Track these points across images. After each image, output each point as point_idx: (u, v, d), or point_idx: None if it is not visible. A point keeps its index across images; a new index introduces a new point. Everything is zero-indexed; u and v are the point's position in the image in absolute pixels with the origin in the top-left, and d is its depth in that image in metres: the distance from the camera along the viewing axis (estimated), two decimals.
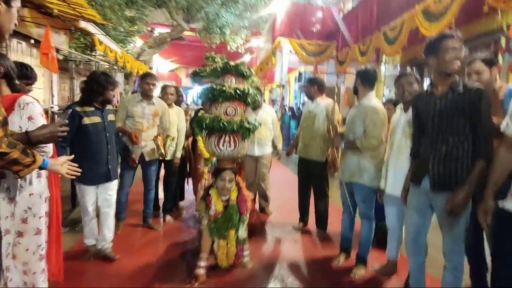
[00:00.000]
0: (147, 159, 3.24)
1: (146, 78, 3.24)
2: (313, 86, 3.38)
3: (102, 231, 2.68)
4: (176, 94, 3.68)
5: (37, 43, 5.53)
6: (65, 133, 1.59)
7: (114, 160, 2.69)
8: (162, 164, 3.53)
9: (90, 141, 2.52)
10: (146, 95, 3.21)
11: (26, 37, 5.35)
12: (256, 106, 3.54)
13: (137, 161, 3.08)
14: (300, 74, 11.85)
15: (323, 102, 3.34)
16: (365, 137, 2.49)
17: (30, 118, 1.69)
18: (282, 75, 9.20)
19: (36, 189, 1.74)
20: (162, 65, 12.11)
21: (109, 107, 2.69)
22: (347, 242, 2.83)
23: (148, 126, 3.21)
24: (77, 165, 1.68)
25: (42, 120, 1.74)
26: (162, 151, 3.15)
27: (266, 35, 12.96)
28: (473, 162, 1.76)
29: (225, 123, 2.36)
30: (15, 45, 5.18)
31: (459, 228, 1.83)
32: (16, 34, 5.02)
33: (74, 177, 1.70)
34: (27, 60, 5.66)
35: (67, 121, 1.58)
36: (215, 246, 2.47)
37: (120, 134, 3.23)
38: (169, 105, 3.46)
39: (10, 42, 4.91)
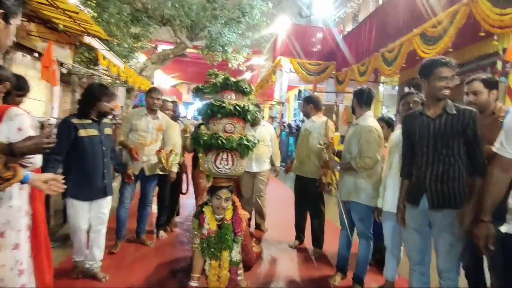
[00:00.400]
0: (147, 173, 3.18)
1: (152, 92, 3.22)
2: (309, 104, 3.43)
3: (92, 250, 2.55)
4: (172, 109, 3.71)
5: (41, 56, 5.64)
6: (52, 145, 1.50)
7: (109, 175, 2.60)
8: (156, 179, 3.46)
9: (86, 154, 2.43)
10: (151, 110, 3.19)
11: (31, 51, 5.45)
12: (255, 123, 3.54)
13: (134, 176, 3.02)
14: (300, 92, 12.00)
15: (319, 120, 3.37)
16: (360, 156, 2.48)
17: (19, 130, 1.66)
18: (281, 92, 9.31)
19: (16, 202, 1.67)
20: (163, 80, 12.25)
21: (106, 120, 2.63)
22: (344, 261, 2.79)
23: (151, 141, 3.18)
24: (63, 181, 1.60)
25: (32, 132, 1.71)
26: (165, 165, 3.11)
27: (267, 53, 13.22)
28: (471, 179, 1.82)
29: (223, 140, 2.27)
30: (19, 58, 5.27)
31: (458, 245, 1.85)
32: (21, 47, 5.12)
33: (61, 192, 1.62)
34: (30, 73, 5.75)
35: (54, 132, 1.50)
36: (207, 266, 2.33)
37: (119, 148, 3.20)
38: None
39: (15, 55, 5.00)
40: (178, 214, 4.03)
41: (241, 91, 2.46)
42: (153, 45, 11.62)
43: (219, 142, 2.26)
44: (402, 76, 6.66)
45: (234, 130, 2.38)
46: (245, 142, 2.32)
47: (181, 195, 3.93)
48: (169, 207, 3.67)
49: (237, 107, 2.33)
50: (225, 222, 2.30)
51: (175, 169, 3.36)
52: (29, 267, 1.74)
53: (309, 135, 3.34)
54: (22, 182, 1.44)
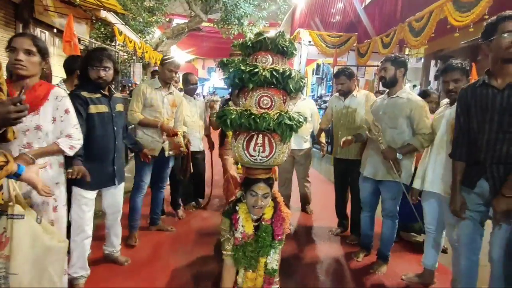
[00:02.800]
0: (167, 154, 2.85)
1: (169, 64, 2.75)
2: (351, 79, 3.06)
3: (110, 238, 2.41)
4: (191, 83, 3.50)
5: (59, 32, 5.62)
6: (23, 114, 1.18)
7: (120, 160, 2.26)
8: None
9: (95, 135, 2.07)
10: (165, 83, 2.81)
11: (49, 27, 5.44)
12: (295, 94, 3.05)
13: (152, 157, 2.71)
14: (318, 66, 11.63)
15: (360, 94, 3.07)
16: (419, 134, 2.30)
17: (67, 111, 1.77)
18: (300, 67, 9.04)
19: (59, 178, 1.86)
20: (179, 56, 12.13)
21: (117, 94, 2.32)
22: (369, 239, 2.77)
23: (168, 118, 2.82)
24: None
25: (74, 113, 1.83)
26: (184, 148, 2.90)
27: (284, 26, 12.75)
28: None
29: (257, 119, 1.70)
30: (38, 34, 5.28)
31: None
32: (39, 23, 5.11)
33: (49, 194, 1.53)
34: (50, 49, 5.77)
35: (23, 98, 1.18)
36: (240, 278, 1.87)
37: (131, 127, 2.90)
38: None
39: (34, 31, 5.00)
40: (203, 196, 3.86)
41: (281, 52, 1.84)
42: (168, 19, 11.41)
43: (251, 121, 1.70)
44: (429, 47, 6.30)
45: (272, 105, 1.81)
46: (287, 121, 1.71)
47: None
48: (181, 185, 3.47)
49: (275, 73, 1.73)
50: (263, 223, 1.83)
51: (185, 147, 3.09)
52: None
53: (354, 113, 3.01)
54: (16, 174, 1.32)
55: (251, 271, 1.85)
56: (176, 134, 2.78)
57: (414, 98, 2.40)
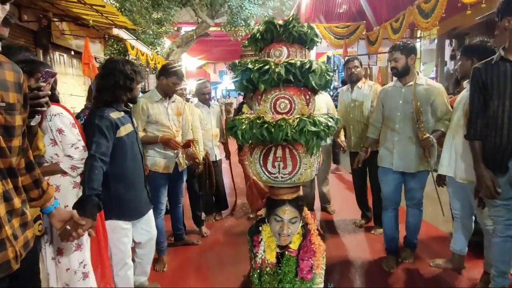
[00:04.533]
0: (180, 169, 2.64)
1: (173, 76, 2.45)
2: (360, 67, 3.07)
3: (142, 266, 2.15)
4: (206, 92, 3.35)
5: (76, 54, 5.88)
6: (39, 101, 1.13)
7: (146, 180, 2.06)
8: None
9: (127, 159, 1.84)
10: (166, 94, 2.52)
11: (66, 49, 5.71)
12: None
13: (165, 174, 2.51)
14: (328, 58, 11.51)
15: (365, 86, 3.06)
16: (445, 119, 2.28)
17: (60, 131, 1.58)
18: None
19: (71, 201, 1.59)
20: (190, 63, 12.36)
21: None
22: (395, 243, 2.57)
23: (176, 129, 2.55)
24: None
25: (74, 131, 1.62)
26: (198, 158, 2.70)
27: None
28: None
29: (271, 129, 1.36)
30: (57, 58, 5.55)
31: None
32: (57, 47, 5.38)
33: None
34: (69, 71, 6.05)
35: (41, 85, 1.14)
36: None
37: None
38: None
39: (53, 55, 5.28)
40: (224, 207, 3.70)
41: (298, 40, 1.51)
42: (176, 28, 11.63)
43: (264, 132, 1.37)
44: (442, 27, 6.12)
45: (291, 108, 1.47)
46: (311, 127, 1.36)
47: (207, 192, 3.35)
48: (203, 199, 3.30)
49: (291, 68, 1.39)
50: (288, 253, 1.50)
51: (201, 158, 2.89)
52: (91, 269, 1.68)
53: (361, 105, 3.01)
54: (43, 211, 1.20)
55: None
56: (189, 146, 2.57)
57: (434, 84, 2.37)
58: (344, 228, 3.30)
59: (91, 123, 1.74)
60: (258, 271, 1.56)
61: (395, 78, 2.49)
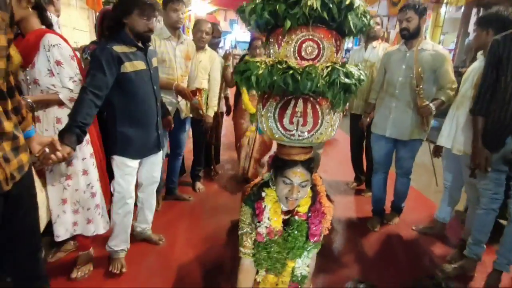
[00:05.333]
0: (182, 116, 2.52)
1: (173, 2, 2.25)
2: (379, 25, 2.92)
3: (143, 212, 2.13)
4: (212, 34, 2.81)
5: None
6: None
7: (161, 123, 1.98)
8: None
9: (134, 97, 1.75)
10: (174, 30, 2.31)
11: None
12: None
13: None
14: None
15: (380, 47, 2.91)
16: (447, 88, 2.19)
17: (58, 63, 1.54)
18: None
19: None
20: (200, 7, 11.79)
21: (151, 47, 1.95)
22: (382, 204, 2.63)
23: (182, 74, 2.38)
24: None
25: (72, 64, 1.59)
26: (203, 110, 2.54)
27: None
28: None
29: (297, 76, 1.13)
30: None
31: None
32: None
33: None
34: (72, 2, 5.77)
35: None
36: (259, 277, 1.47)
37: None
38: (202, 48, 2.68)
39: None
40: (218, 162, 3.62)
41: None
42: None
43: (289, 80, 1.13)
44: None
45: (320, 54, 1.24)
46: (343, 79, 1.15)
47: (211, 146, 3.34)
48: (205, 155, 3.20)
49: (328, 1, 1.13)
50: (297, 217, 1.39)
51: (211, 112, 2.76)
52: (99, 189, 1.83)
53: (372, 66, 2.86)
54: (24, 135, 1.18)
55: (274, 274, 1.45)
56: (198, 92, 2.42)
57: (441, 51, 2.26)
58: (336, 188, 3.38)
59: (92, 55, 1.67)
60: (262, 244, 1.37)
61: (401, 41, 2.36)
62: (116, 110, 1.74)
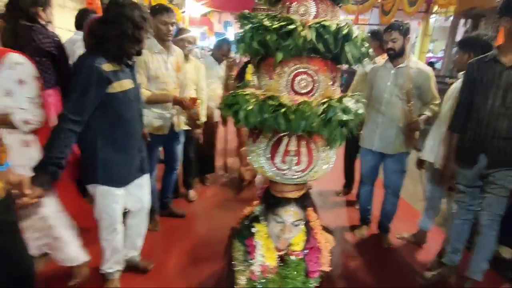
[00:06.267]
0: (177, 129, 2.44)
1: (162, 14, 2.12)
2: (374, 41, 2.85)
3: (132, 239, 1.97)
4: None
5: None
6: None
7: (144, 144, 1.86)
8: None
9: (120, 119, 1.59)
10: (163, 41, 2.20)
11: None
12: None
13: (160, 136, 2.31)
14: None
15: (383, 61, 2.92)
16: (431, 103, 2.29)
17: (21, 82, 1.45)
18: None
19: (19, 161, 1.46)
20: (194, 9, 11.75)
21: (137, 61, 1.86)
22: (368, 213, 2.76)
23: (175, 87, 2.31)
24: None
25: (35, 85, 1.50)
26: (200, 119, 2.45)
27: None
28: None
29: (290, 116, 1.05)
30: None
31: (504, 205, 1.82)
32: None
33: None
34: (68, 4, 5.69)
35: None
36: None
37: None
38: (185, 57, 2.58)
39: None
40: (213, 170, 3.56)
41: None
42: None
43: (281, 120, 1.06)
44: (459, 5, 5.86)
45: (314, 88, 1.15)
46: (340, 116, 1.07)
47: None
48: (200, 163, 3.20)
49: (324, 33, 1.04)
50: (292, 255, 1.31)
51: (203, 119, 2.70)
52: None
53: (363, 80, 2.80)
54: None
55: None
56: (194, 103, 2.31)
57: (424, 68, 2.34)
58: (326, 197, 3.44)
59: (76, 73, 1.50)
60: (257, 282, 1.29)
61: (385, 58, 2.42)
62: (98, 134, 1.56)
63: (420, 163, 2.52)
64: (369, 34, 2.43)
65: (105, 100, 1.51)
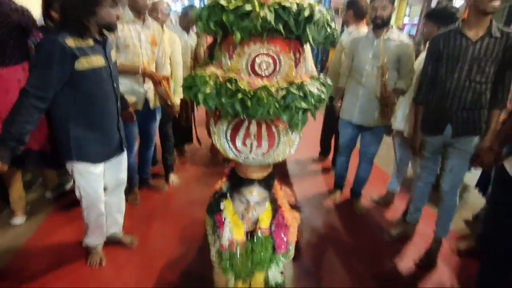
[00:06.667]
0: (151, 106, 2.35)
1: None
2: (349, 10, 2.81)
3: (113, 215, 2.01)
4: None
5: None
6: None
7: (121, 122, 1.83)
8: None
9: (91, 98, 1.56)
10: (139, 13, 2.11)
11: None
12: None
13: (137, 110, 2.23)
14: None
15: (356, 31, 2.72)
16: (406, 77, 2.24)
17: None
18: None
19: None
20: None
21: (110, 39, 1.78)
22: (343, 180, 2.89)
23: (148, 61, 2.19)
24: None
25: None
26: (170, 98, 2.35)
27: None
28: (491, 110, 1.78)
29: (247, 102, 1.01)
30: None
31: (465, 170, 1.95)
32: None
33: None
34: None
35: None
36: (230, 285, 1.45)
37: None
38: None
39: None
40: (191, 141, 3.56)
41: None
42: None
43: (239, 106, 1.02)
44: None
45: (276, 70, 1.10)
46: (300, 103, 1.05)
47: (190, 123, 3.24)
48: (180, 136, 3.19)
49: (283, 13, 0.99)
50: (260, 232, 1.33)
51: (178, 99, 2.60)
52: None
53: (343, 49, 2.64)
54: None
55: (243, 281, 1.41)
56: (165, 80, 2.27)
57: (405, 40, 2.26)
58: (303, 165, 3.55)
59: (38, 46, 1.43)
60: (225, 254, 1.34)
61: (369, 28, 2.35)
62: (69, 112, 1.53)
63: (389, 131, 2.60)
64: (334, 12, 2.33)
65: (74, 78, 1.46)
